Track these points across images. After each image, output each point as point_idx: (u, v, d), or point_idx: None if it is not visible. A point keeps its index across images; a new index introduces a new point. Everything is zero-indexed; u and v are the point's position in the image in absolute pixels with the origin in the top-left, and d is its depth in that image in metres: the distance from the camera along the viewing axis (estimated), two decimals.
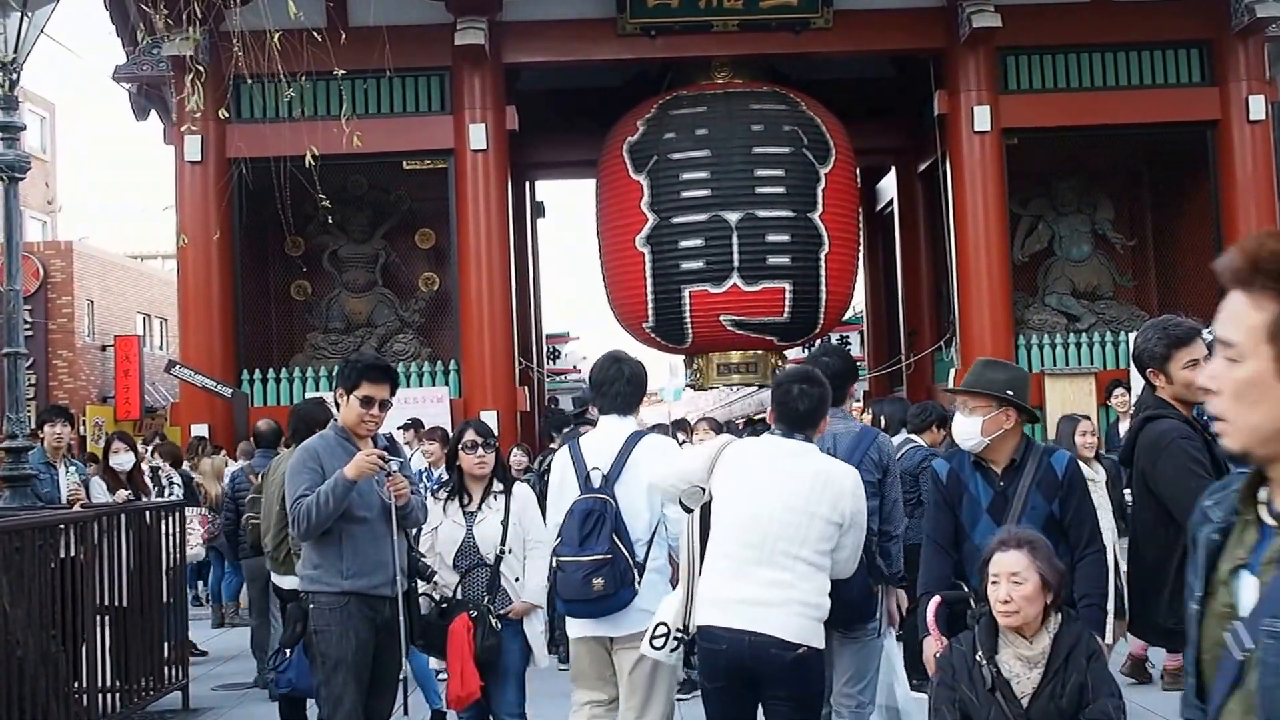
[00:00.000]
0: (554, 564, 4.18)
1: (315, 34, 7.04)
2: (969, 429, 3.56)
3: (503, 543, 4.50)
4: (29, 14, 6.42)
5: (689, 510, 3.75)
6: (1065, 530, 3.46)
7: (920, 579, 3.64)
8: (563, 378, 21.66)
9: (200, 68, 6.26)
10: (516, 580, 4.53)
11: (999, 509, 3.50)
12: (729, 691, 3.58)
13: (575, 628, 4.24)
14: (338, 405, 4.32)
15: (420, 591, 4.40)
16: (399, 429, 8.52)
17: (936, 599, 3.49)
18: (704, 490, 3.68)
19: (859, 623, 4.07)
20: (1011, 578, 3.08)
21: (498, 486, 4.60)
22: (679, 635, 3.71)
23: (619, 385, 4.27)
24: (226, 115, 8.54)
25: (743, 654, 3.47)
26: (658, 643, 3.75)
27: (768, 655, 3.44)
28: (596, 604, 3.98)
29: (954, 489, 3.58)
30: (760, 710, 3.66)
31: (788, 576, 3.49)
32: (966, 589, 3.49)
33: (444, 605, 4.43)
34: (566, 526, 4.10)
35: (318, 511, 4.00)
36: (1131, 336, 11.71)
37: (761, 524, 3.52)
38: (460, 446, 4.57)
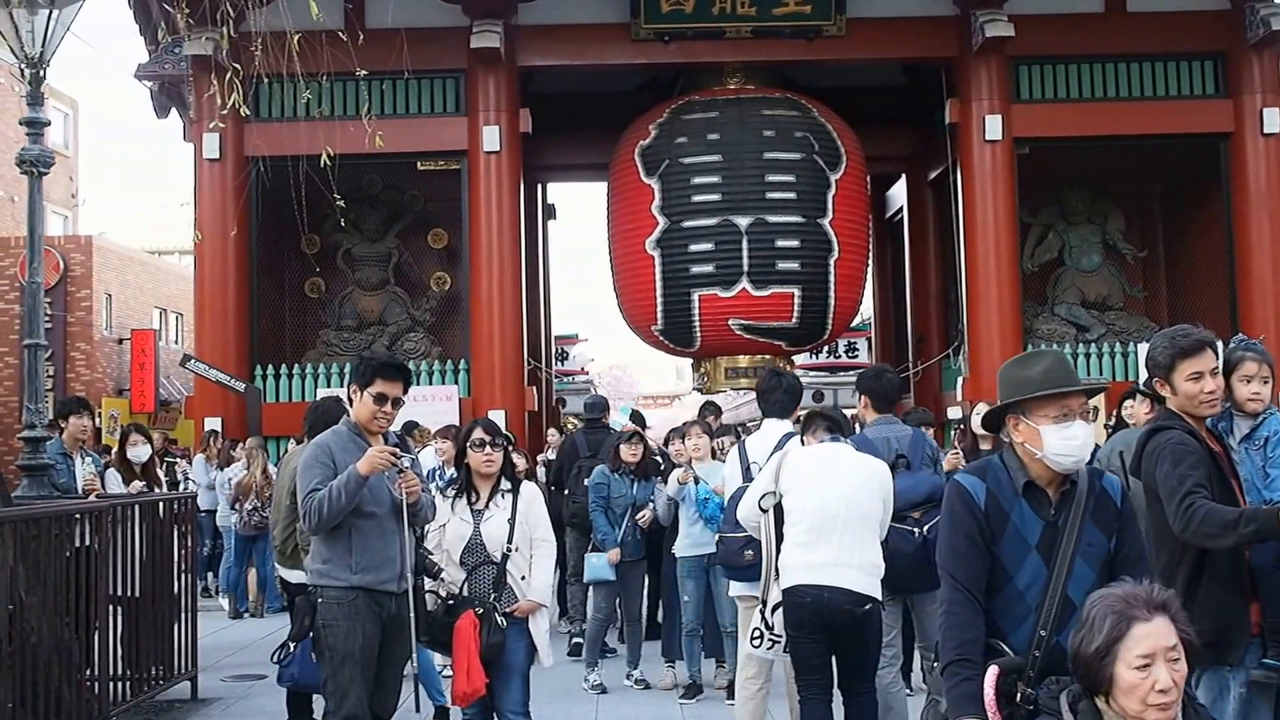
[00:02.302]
0: (718, 537, 5.45)
1: (340, 34, 7.13)
2: (1086, 438, 2.78)
3: (509, 541, 4.52)
4: (57, 11, 6.53)
5: (764, 511, 4.65)
6: (1114, 571, 2.73)
7: (946, 639, 2.72)
8: (571, 379, 21.72)
9: (237, 66, 6.35)
10: (523, 579, 4.55)
11: (1048, 546, 2.73)
12: (811, 638, 4.50)
13: (734, 589, 5.50)
14: (351, 401, 4.36)
15: (427, 589, 4.46)
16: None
17: (995, 671, 2.60)
18: (774, 494, 4.62)
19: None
20: (1169, 654, 2.17)
21: (505, 485, 4.63)
22: (774, 638, 4.61)
23: (778, 394, 5.34)
24: (247, 114, 8.64)
25: (821, 605, 4.42)
26: (756, 642, 4.69)
27: (842, 610, 4.39)
28: (747, 570, 4.98)
29: (996, 518, 2.75)
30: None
31: (856, 542, 4.47)
32: (1007, 648, 2.69)
33: (450, 602, 4.47)
34: (729, 509, 5.12)
35: (329, 506, 4.06)
36: (1141, 348, 11.78)
37: (832, 504, 4.48)
38: (468, 444, 4.62)
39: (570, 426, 18.34)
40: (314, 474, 4.13)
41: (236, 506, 9.86)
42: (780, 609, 4.56)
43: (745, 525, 4.86)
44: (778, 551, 4.60)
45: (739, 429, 9.17)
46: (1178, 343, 3.41)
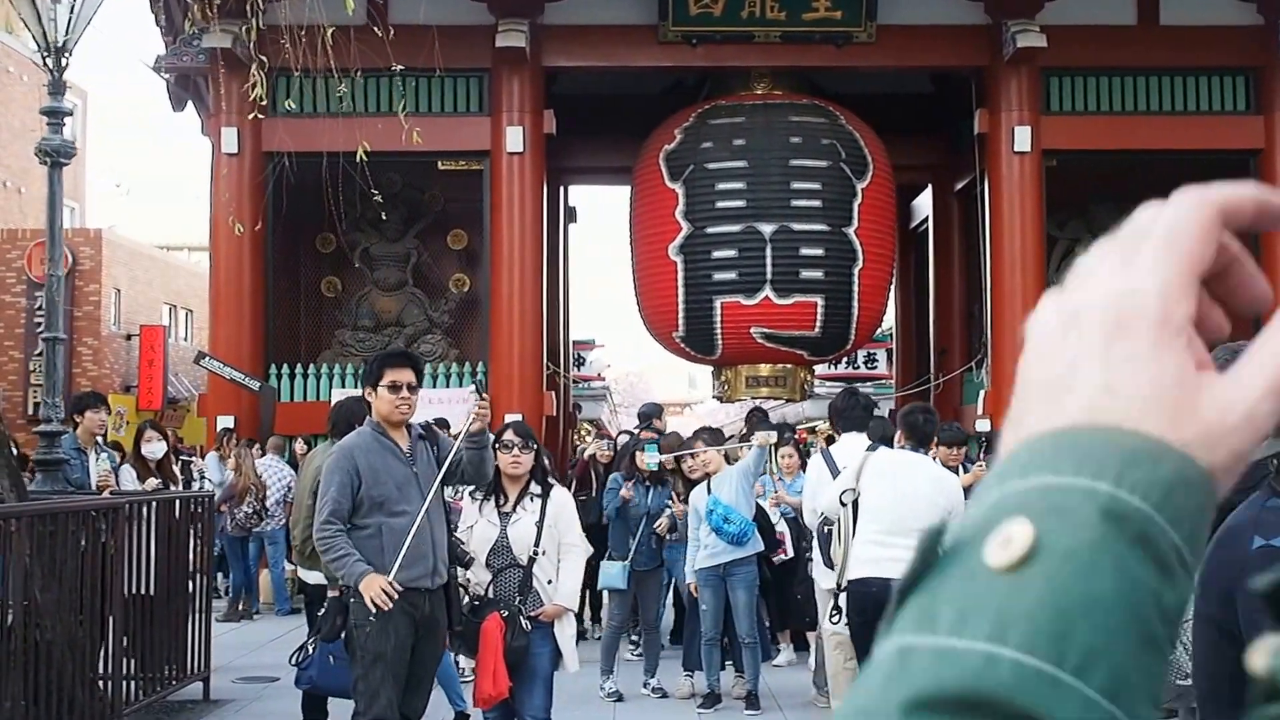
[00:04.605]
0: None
1: (374, 30, 7.05)
2: None
3: (536, 544, 4.50)
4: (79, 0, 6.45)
5: (844, 505, 5.20)
6: None
7: None
8: (587, 384, 21.63)
9: (264, 58, 6.27)
10: (549, 583, 4.52)
11: None
12: (873, 625, 4.92)
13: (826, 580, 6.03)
14: (368, 404, 4.40)
15: (460, 581, 4.44)
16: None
17: None
18: (854, 490, 5.14)
19: None
20: None
21: (535, 489, 4.59)
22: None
23: (856, 411, 6.06)
24: (290, 107, 8.55)
25: (886, 596, 4.80)
26: (834, 619, 5.29)
27: None
28: None
29: None
30: None
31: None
32: None
33: (476, 603, 4.45)
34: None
35: (330, 562, 4.24)
36: None
37: (900, 506, 4.97)
38: (498, 446, 4.56)
39: (584, 432, 18.22)
40: (333, 479, 4.18)
41: (224, 508, 9.75)
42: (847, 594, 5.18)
43: (828, 514, 5.41)
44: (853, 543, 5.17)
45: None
46: (1219, 356, 3.34)
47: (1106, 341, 0.45)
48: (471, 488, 5.38)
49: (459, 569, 4.44)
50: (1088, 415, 0.43)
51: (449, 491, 4.97)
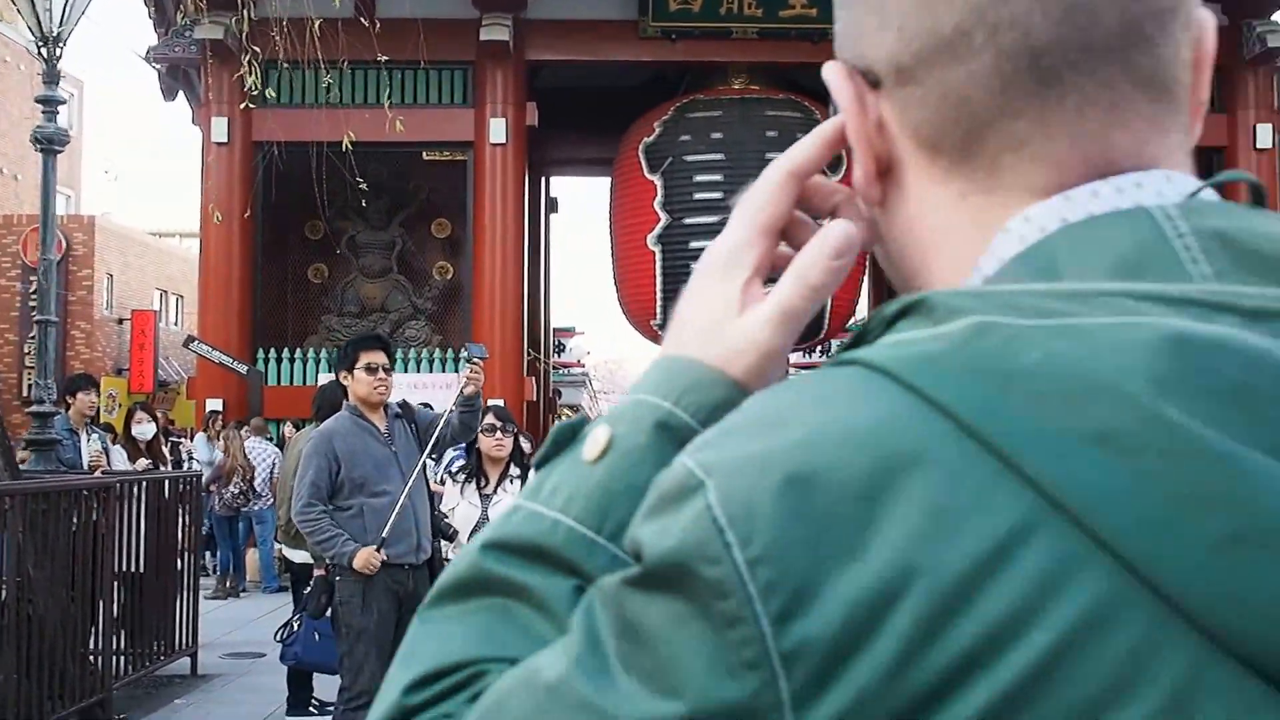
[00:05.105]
0: None
1: (361, 21, 7.22)
2: None
3: None
4: None
5: None
6: None
7: None
8: (567, 370, 21.85)
9: (257, 49, 6.45)
10: None
11: None
12: None
13: None
14: (344, 388, 4.54)
15: (443, 556, 4.64)
16: None
17: None
18: None
19: None
20: None
21: (515, 471, 4.79)
22: None
23: None
24: (272, 97, 8.71)
25: None
26: None
27: None
28: None
29: None
30: None
31: None
32: None
33: None
34: None
35: (317, 544, 4.37)
36: None
37: None
38: (480, 429, 4.77)
39: (564, 417, 18.45)
40: (311, 463, 4.33)
41: (213, 488, 9.96)
42: None
43: None
44: None
45: None
46: None
47: (694, 285, 0.59)
48: (446, 466, 5.60)
49: (444, 542, 4.63)
50: (676, 345, 0.58)
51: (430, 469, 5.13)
